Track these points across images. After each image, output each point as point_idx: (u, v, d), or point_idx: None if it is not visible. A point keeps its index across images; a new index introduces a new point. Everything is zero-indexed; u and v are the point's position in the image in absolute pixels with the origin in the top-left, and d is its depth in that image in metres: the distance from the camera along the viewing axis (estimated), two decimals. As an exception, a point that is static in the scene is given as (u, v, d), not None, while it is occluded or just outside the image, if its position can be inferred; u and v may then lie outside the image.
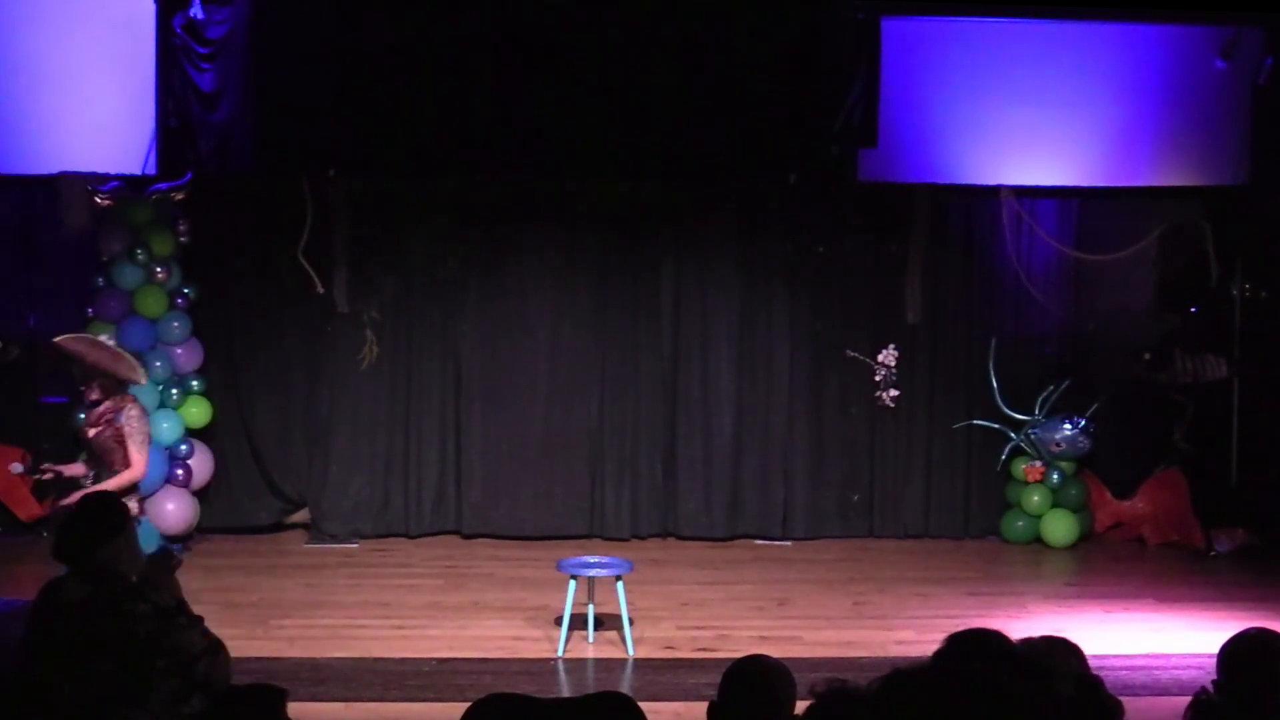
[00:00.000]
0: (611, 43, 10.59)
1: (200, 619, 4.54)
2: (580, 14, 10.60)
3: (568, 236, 11.11)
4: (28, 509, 10.56)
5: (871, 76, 10.99)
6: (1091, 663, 3.79)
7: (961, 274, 11.48)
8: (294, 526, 11.18)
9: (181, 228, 10.47)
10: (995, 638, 2.44)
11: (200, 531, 10.64)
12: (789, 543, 11.11)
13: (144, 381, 8.13)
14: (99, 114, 10.80)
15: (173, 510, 10.15)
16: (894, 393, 11.27)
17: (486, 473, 11.12)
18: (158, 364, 10.26)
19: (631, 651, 7.83)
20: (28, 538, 10.27)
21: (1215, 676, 3.92)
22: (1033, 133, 11.44)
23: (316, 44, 10.61)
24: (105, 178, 10.45)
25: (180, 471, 10.28)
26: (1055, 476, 11.20)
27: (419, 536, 11.04)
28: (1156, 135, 11.66)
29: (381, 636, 8.23)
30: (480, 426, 11.13)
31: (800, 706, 4.00)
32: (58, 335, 8.06)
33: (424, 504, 11.12)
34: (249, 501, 11.08)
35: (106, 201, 10.29)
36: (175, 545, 10.02)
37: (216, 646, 4.41)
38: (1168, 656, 7.91)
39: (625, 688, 7.13)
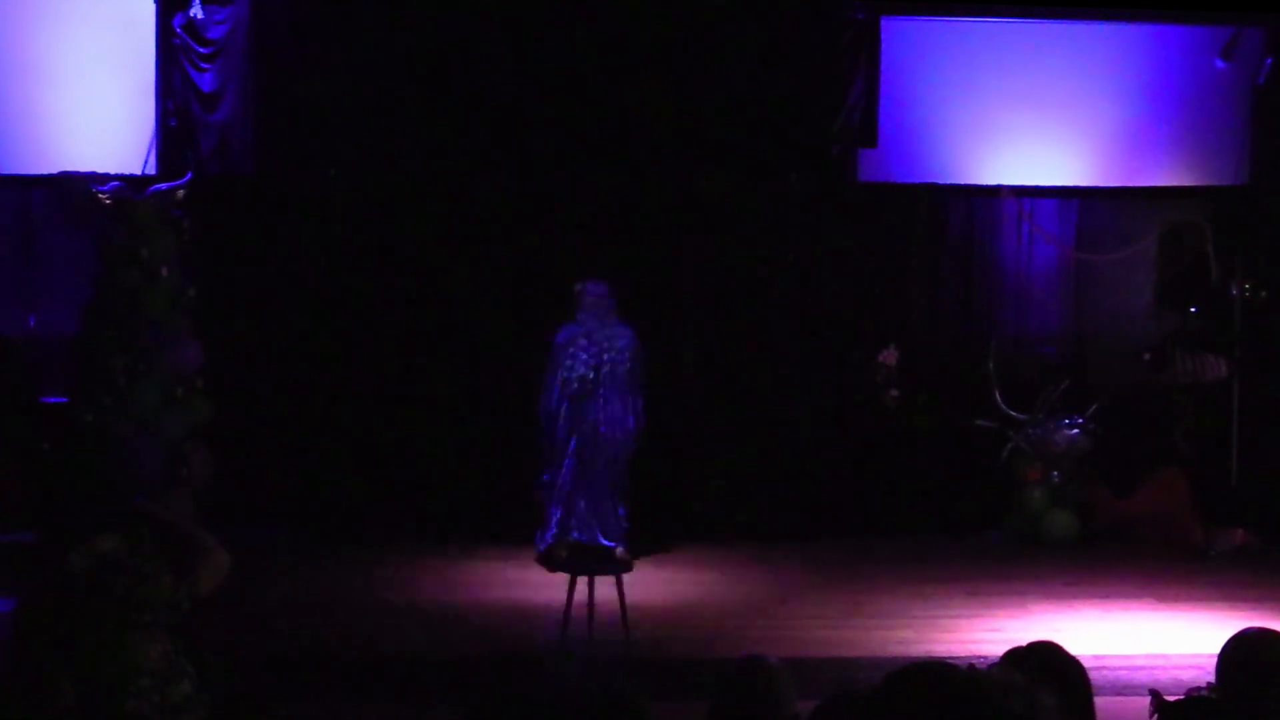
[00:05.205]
0: (612, 42, 10.60)
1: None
2: (580, 14, 10.60)
3: (568, 235, 11.10)
4: None
5: (871, 76, 11.00)
6: (1091, 662, 3.79)
7: (961, 274, 11.47)
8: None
9: (182, 227, 10.47)
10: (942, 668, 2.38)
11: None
12: (790, 543, 11.10)
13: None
14: (99, 114, 10.80)
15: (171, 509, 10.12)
16: (894, 393, 11.26)
17: (489, 471, 11.10)
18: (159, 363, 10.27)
19: (632, 652, 7.82)
20: (27, 537, 10.26)
21: (1214, 677, 3.91)
22: (1033, 133, 11.44)
23: (317, 44, 10.62)
24: (105, 177, 10.44)
25: (181, 470, 10.27)
26: (1055, 476, 11.20)
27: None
28: (1156, 135, 11.66)
29: (382, 635, 8.22)
30: (482, 425, 11.11)
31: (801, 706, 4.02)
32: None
33: (426, 502, 11.10)
34: (249, 501, 11.05)
35: (107, 201, 10.29)
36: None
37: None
38: (1168, 656, 7.91)
39: (625, 688, 7.13)
